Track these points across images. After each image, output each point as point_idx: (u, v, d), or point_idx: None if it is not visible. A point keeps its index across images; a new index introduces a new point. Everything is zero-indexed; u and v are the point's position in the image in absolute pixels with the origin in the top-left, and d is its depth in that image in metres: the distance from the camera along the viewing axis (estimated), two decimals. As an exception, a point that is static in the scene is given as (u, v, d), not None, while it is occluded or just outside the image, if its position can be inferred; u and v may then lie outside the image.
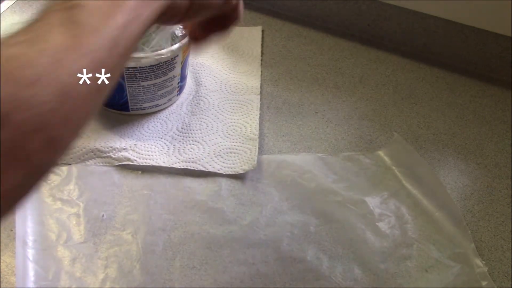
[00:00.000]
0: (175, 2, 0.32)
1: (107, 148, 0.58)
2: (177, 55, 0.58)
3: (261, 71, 0.71)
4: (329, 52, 0.77)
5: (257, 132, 0.62)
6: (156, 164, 0.57)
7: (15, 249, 0.48)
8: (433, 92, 0.72)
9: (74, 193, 0.54)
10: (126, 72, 0.56)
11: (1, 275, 0.47)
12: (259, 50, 0.75)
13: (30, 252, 0.48)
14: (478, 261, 0.50)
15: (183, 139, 0.60)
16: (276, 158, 0.59)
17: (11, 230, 0.50)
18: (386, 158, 0.60)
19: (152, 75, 0.58)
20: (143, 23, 0.29)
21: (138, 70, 0.56)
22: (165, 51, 0.56)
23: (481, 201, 0.58)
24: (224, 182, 0.56)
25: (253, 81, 0.69)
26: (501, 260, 0.52)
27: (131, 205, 0.53)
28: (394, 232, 0.53)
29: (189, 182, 0.56)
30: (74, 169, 0.56)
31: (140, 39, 0.30)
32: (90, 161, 0.57)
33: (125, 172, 0.56)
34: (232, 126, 0.63)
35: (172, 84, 0.61)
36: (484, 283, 0.49)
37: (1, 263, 0.48)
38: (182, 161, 0.57)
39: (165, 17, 0.33)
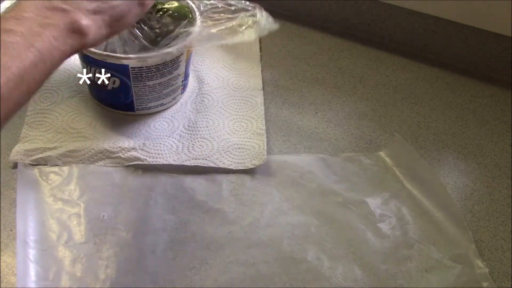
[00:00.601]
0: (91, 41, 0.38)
1: (116, 148, 0.57)
2: (182, 53, 0.58)
3: (261, 71, 0.71)
4: (329, 52, 0.77)
5: (264, 127, 0.62)
6: (167, 163, 0.57)
7: (15, 249, 0.48)
8: (433, 92, 0.72)
9: (75, 193, 0.53)
10: (132, 72, 0.56)
11: (1, 275, 0.47)
12: (257, 46, 0.75)
13: (31, 252, 0.48)
14: (479, 262, 0.50)
15: (190, 137, 0.60)
16: (276, 159, 0.59)
17: (11, 230, 0.50)
18: (387, 159, 0.60)
19: (158, 74, 0.58)
20: (52, 64, 0.35)
21: (144, 70, 0.56)
22: (172, 49, 0.56)
23: (481, 201, 0.58)
24: (224, 182, 0.56)
25: (254, 77, 0.70)
26: (501, 260, 0.52)
27: (132, 205, 0.53)
28: (395, 232, 0.53)
29: (189, 182, 0.56)
30: (75, 169, 0.56)
31: (50, 74, 0.36)
32: (100, 162, 0.57)
33: (125, 172, 0.56)
34: (238, 122, 0.63)
35: (176, 83, 0.61)
36: (485, 284, 0.48)
37: (1, 263, 0.48)
38: (192, 159, 0.57)
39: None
